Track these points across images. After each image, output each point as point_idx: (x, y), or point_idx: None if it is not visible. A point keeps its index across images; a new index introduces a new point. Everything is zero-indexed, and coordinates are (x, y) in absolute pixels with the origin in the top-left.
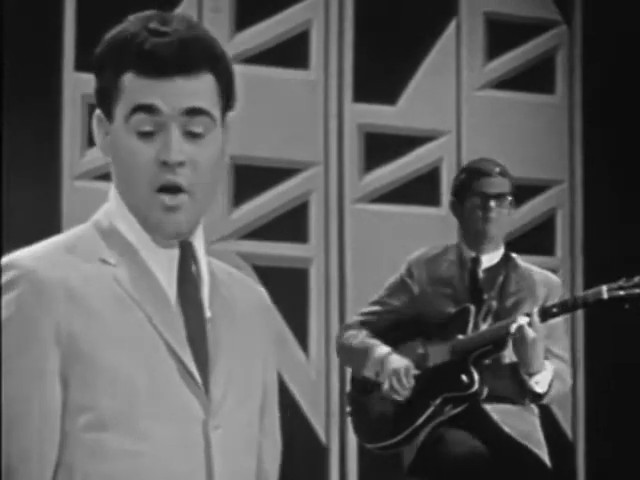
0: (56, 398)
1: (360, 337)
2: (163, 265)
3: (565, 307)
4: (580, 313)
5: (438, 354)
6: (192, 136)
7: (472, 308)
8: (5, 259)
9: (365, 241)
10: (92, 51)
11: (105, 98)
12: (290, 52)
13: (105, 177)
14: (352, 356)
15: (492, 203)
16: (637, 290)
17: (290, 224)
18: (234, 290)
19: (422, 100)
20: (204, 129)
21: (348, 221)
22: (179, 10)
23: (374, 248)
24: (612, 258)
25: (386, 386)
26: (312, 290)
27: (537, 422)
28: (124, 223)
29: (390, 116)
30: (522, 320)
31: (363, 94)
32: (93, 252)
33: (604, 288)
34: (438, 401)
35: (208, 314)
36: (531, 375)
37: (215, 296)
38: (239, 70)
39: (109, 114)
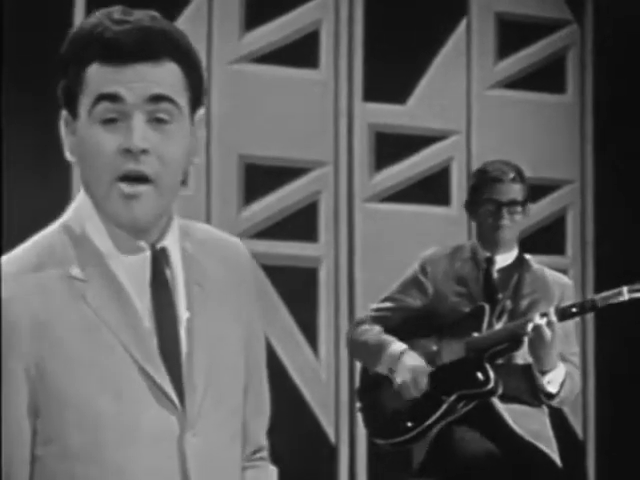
0: (25, 433)
1: (374, 332)
2: (134, 277)
3: (584, 307)
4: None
5: (452, 351)
6: (157, 122)
7: (487, 307)
8: None
9: (375, 240)
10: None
11: (70, 95)
12: (300, 52)
13: None
14: (365, 351)
15: (504, 211)
16: None
17: (300, 223)
18: (213, 265)
19: (432, 99)
20: (169, 117)
21: (358, 220)
22: (189, 9)
23: (383, 247)
24: (623, 257)
25: (399, 382)
26: (321, 289)
27: (547, 421)
28: (94, 227)
29: (400, 115)
30: (540, 319)
31: (373, 93)
32: (62, 267)
33: (625, 289)
34: (452, 398)
35: (187, 315)
36: (544, 373)
37: (194, 287)
38: (249, 69)
39: (74, 112)
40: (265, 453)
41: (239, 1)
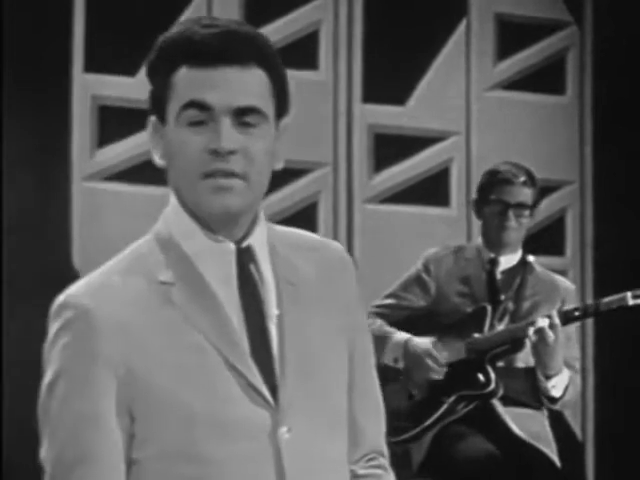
0: (117, 436)
1: (376, 325)
2: (221, 276)
3: (587, 311)
4: None
5: (453, 352)
6: (243, 126)
7: (489, 308)
8: (63, 295)
9: (374, 241)
10: (101, 52)
11: (159, 101)
12: (299, 53)
13: (114, 178)
14: None
15: (510, 213)
16: None
17: (299, 225)
18: (307, 265)
19: (432, 100)
20: (255, 121)
21: (357, 221)
22: (188, 11)
23: (383, 248)
24: (622, 258)
25: (409, 366)
26: None
27: (546, 422)
28: (180, 230)
29: (399, 116)
30: (543, 322)
31: (372, 94)
32: (151, 273)
33: (629, 294)
34: (452, 399)
35: (276, 312)
36: (548, 377)
37: (285, 286)
38: None
39: (163, 117)
40: (384, 461)
41: (238, 3)
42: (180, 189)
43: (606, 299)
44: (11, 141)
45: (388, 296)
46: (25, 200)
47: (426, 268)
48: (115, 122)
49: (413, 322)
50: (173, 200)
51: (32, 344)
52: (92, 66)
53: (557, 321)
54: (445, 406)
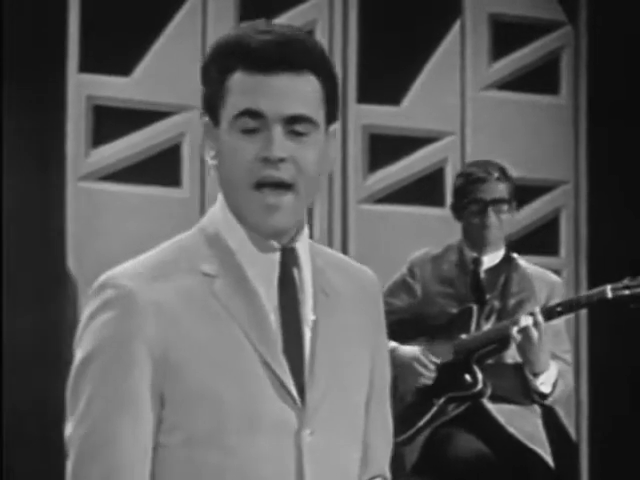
0: (148, 417)
1: None
2: (263, 274)
3: (569, 306)
4: (584, 313)
5: (441, 354)
6: (294, 135)
7: (475, 308)
8: (104, 276)
9: (369, 241)
10: (97, 52)
11: (212, 103)
12: None
13: (109, 178)
14: None
15: (490, 209)
16: None
17: None
18: (340, 280)
19: (426, 101)
20: (306, 130)
21: (352, 222)
22: (183, 11)
23: (378, 248)
24: (616, 258)
25: (398, 373)
26: None
27: (540, 423)
28: (227, 228)
29: (394, 117)
30: (526, 320)
31: (367, 95)
32: (194, 264)
33: (608, 287)
34: (441, 401)
35: (312, 317)
36: (536, 375)
37: (320, 295)
38: None
39: (216, 119)
40: None
41: (233, 2)
42: (229, 195)
43: (586, 293)
44: (6, 141)
45: None
46: (20, 200)
47: (411, 272)
48: (110, 122)
49: (401, 326)
50: (221, 200)
51: (31, 344)
52: (87, 66)
53: (540, 319)
54: (435, 408)
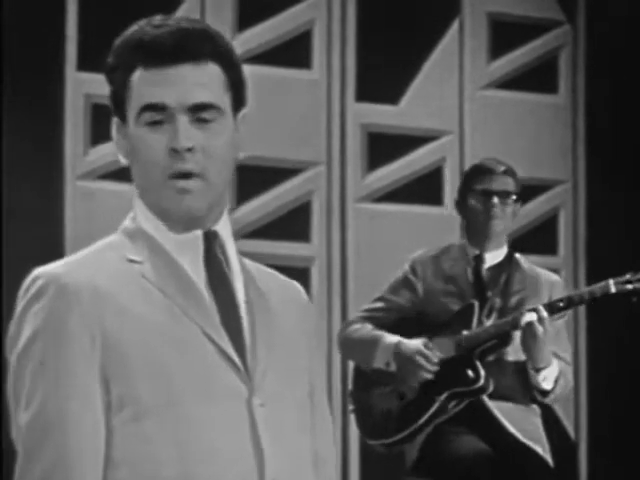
0: (95, 396)
1: (367, 329)
2: (189, 255)
3: (572, 301)
4: (583, 311)
5: (443, 350)
6: (200, 122)
7: (476, 305)
8: (32, 273)
9: (367, 240)
10: (95, 51)
11: (118, 102)
12: (293, 52)
13: (108, 177)
14: (359, 348)
15: (495, 200)
16: None
17: (292, 223)
18: (269, 284)
19: (425, 100)
20: (211, 117)
21: (350, 220)
22: (182, 9)
23: (376, 247)
24: (615, 258)
25: (402, 369)
26: (314, 289)
27: (539, 422)
28: (147, 221)
29: (393, 116)
30: (530, 316)
31: (366, 94)
32: (120, 254)
33: (611, 282)
34: (443, 397)
35: (243, 297)
36: (538, 371)
37: (249, 285)
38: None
39: (123, 117)
40: None
41: (231, 2)
42: (143, 189)
43: (589, 288)
44: (5, 139)
45: (377, 300)
46: (19, 198)
47: (413, 270)
48: (108, 121)
49: (403, 324)
50: (137, 199)
51: None
52: (85, 64)
53: (545, 314)
54: (437, 404)
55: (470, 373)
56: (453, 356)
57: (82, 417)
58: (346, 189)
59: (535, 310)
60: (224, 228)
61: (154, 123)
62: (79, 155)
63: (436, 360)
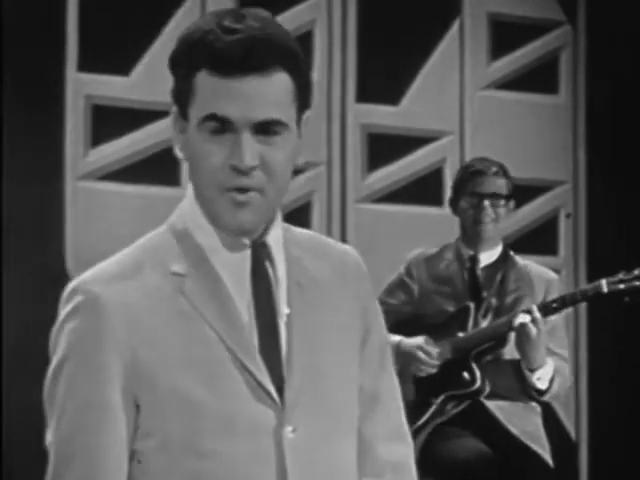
0: (122, 424)
1: None
2: (234, 271)
3: (565, 301)
4: (583, 311)
5: (440, 352)
6: (264, 135)
7: (472, 306)
8: (75, 281)
9: (368, 241)
10: (95, 51)
11: (180, 97)
12: None
13: (108, 177)
14: None
15: (486, 203)
16: (637, 283)
17: (293, 224)
18: (319, 266)
19: (425, 100)
20: (276, 130)
21: (351, 221)
22: (182, 9)
23: (377, 248)
24: (615, 258)
25: (416, 363)
26: None
27: (540, 422)
28: (196, 224)
29: (393, 116)
30: (524, 317)
31: (366, 94)
32: (163, 264)
33: (604, 282)
34: (440, 399)
35: (286, 311)
36: (532, 371)
37: (294, 286)
38: None
39: (184, 113)
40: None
41: (232, 3)
42: (199, 193)
43: (582, 287)
44: (5, 140)
45: None
46: (19, 199)
47: (408, 272)
48: (109, 121)
49: (400, 326)
50: (190, 194)
51: (29, 343)
52: (86, 65)
53: (538, 315)
54: (434, 407)
55: (466, 375)
56: (449, 358)
57: (105, 447)
58: (346, 189)
59: (528, 311)
60: (274, 237)
61: (216, 132)
62: (79, 156)
63: (436, 355)
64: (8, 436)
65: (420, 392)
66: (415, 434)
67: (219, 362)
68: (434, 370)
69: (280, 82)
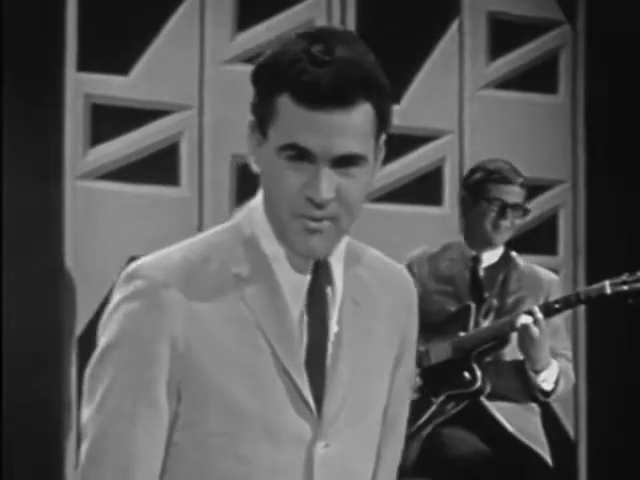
0: (164, 414)
1: None
2: (294, 285)
3: (568, 302)
4: (582, 311)
5: (440, 352)
6: (342, 168)
7: (473, 306)
8: (134, 265)
9: (367, 240)
10: (95, 51)
11: (260, 114)
12: None
13: (107, 177)
14: None
15: (508, 212)
16: None
17: None
18: (376, 286)
19: (425, 100)
20: (355, 164)
21: None
22: (182, 9)
23: (376, 248)
24: (614, 258)
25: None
26: None
27: (539, 421)
28: (263, 231)
29: (392, 115)
30: (526, 318)
31: None
32: (227, 264)
33: (607, 283)
34: (440, 399)
35: (336, 328)
36: (537, 372)
37: (348, 304)
38: (243, 69)
39: (263, 131)
40: None
41: (231, 1)
42: (270, 210)
43: (585, 288)
44: (4, 139)
45: None
46: (18, 198)
47: (410, 270)
48: (108, 121)
49: None
50: (260, 203)
51: (29, 343)
52: (85, 65)
53: (540, 316)
54: (434, 406)
55: (467, 375)
56: (450, 358)
57: (148, 435)
58: None
59: (530, 312)
60: (337, 258)
61: (295, 159)
62: (78, 155)
63: (437, 348)
64: (8, 434)
65: (421, 391)
66: (415, 433)
67: (266, 370)
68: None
69: (364, 114)
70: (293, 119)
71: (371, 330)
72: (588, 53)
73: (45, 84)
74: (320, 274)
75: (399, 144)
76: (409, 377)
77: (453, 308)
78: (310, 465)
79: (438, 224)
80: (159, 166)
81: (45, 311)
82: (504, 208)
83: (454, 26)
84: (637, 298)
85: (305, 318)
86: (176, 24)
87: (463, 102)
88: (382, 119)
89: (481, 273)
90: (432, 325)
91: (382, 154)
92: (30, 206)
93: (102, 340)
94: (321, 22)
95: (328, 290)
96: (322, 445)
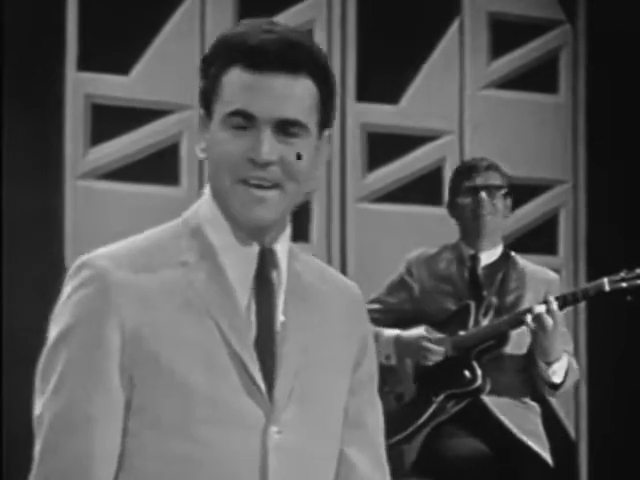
0: (119, 399)
1: None
2: (240, 271)
3: (566, 300)
4: (582, 308)
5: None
6: (284, 136)
7: (472, 305)
8: (82, 257)
9: (367, 241)
10: (95, 51)
11: (207, 97)
12: None
13: (108, 177)
14: None
15: (482, 194)
16: (639, 281)
17: (292, 224)
18: (324, 289)
19: (425, 99)
20: (296, 132)
21: (350, 221)
22: (181, 9)
23: (376, 248)
24: (615, 258)
25: (420, 352)
26: None
27: (539, 421)
28: (211, 222)
29: (393, 116)
30: (540, 308)
31: (366, 93)
32: (172, 254)
33: (605, 280)
34: (441, 398)
35: (282, 318)
36: (549, 364)
37: (292, 297)
38: None
39: (209, 113)
40: None
41: (232, 1)
42: (215, 187)
43: (583, 286)
44: (5, 139)
45: (373, 301)
46: (19, 198)
47: (409, 271)
48: (108, 120)
49: (399, 325)
50: (208, 193)
51: (30, 343)
52: (85, 64)
53: (554, 307)
54: (435, 405)
55: (467, 374)
56: (450, 357)
57: (106, 419)
58: (346, 189)
59: (545, 302)
60: (282, 245)
61: (238, 127)
62: (79, 155)
63: (440, 342)
64: (8, 432)
65: (421, 390)
66: (416, 432)
67: (215, 352)
68: (441, 358)
69: (306, 87)
70: (238, 88)
71: (317, 326)
72: (589, 53)
73: (45, 84)
74: (266, 260)
75: (399, 144)
76: (371, 379)
77: (452, 307)
78: (265, 451)
79: (438, 224)
80: (159, 166)
81: (45, 311)
82: (477, 192)
83: (455, 26)
84: (636, 295)
85: (253, 304)
86: (176, 23)
87: (464, 102)
88: (324, 104)
89: (480, 272)
90: (432, 324)
91: (327, 150)
92: (30, 206)
93: (53, 330)
94: (321, 22)
95: (274, 275)
96: (275, 430)
